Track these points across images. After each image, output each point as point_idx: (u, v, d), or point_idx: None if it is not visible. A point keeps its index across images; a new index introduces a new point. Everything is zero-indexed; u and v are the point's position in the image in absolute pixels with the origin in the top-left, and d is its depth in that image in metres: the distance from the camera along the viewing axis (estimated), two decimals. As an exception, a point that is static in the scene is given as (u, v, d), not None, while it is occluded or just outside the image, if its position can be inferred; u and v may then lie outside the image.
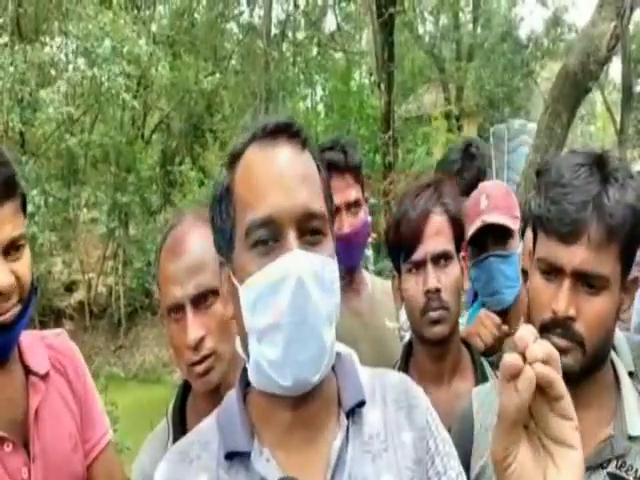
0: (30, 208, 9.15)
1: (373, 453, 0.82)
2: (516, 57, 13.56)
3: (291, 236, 0.75)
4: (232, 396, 0.86)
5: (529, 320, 0.99)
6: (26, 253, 1.14)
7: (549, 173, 0.98)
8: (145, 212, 10.24)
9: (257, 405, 0.83)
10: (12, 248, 1.11)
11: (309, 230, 0.76)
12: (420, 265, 1.30)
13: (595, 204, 0.91)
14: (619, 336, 1.34)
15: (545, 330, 0.95)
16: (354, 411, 0.83)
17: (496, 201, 1.61)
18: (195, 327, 1.06)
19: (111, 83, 8.71)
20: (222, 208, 0.81)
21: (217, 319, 1.08)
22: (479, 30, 15.04)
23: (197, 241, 1.10)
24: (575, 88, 4.32)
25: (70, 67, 9.77)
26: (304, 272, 0.73)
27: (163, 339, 8.63)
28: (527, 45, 14.25)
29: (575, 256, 0.91)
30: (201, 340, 1.07)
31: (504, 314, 1.59)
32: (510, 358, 0.66)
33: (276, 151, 0.78)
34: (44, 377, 1.22)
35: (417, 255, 1.29)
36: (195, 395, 1.17)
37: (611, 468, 0.94)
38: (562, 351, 0.91)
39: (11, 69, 8.54)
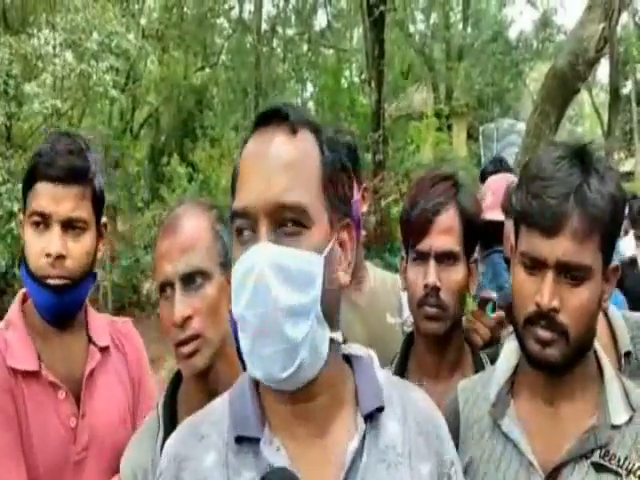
0: (15, 204, 9.06)
1: (388, 463, 0.80)
2: (506, 57, 13.63)
3: (262, 228, 0.75)
4: (245, 379, 0.85)
5: (513, 314, 1.00)
6: (85, 240, 1.30)
7: (530, 167, 0.98)
8: (133, 208, 10.16)
9: (265, 392, 0.83)
10: (70, 227, 1.28)
11: (284, 221, 0.75)
12: (424, 257, 1.29)
13: (577, 196, 0.92)
14: (616, 315, 1.35)
15: (529, 323, 0.95)
16: (372, 416, 0.82)
17: (500, 198, 1.61)
18: (182, 305, 1.08)
19: (99, 77, 8.62)
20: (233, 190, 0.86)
21: (206, 302, 1.10)
22: (469, 30, 15.11)
23: (191, 222, 1.14)
24: (564, 88, 4.36)
25: (57, 60, 9.64)
26: (265, 265, 0.73)
27: (151, 336, 8.56)
28: (517, 46, 14.33)
29: (557, 248, 0.92)
30: (188, 319, 1.08)
31: (507, 312, 1.59)
32: None
33: (263, 141, 0.78)
34: (103, 349, 1.39)
35: (422, 246, 1.29)
36: (186, 385, 1.18)
37: (595, 458, 0.95)
38: (546, 343, 0.94)
39: (-3, 61, 8.40)
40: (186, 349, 1.09)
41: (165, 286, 1.11)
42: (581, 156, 0.95)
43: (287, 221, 0.75)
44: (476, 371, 1.33)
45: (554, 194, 0.92)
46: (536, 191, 0.94)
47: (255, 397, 0.82)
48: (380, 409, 0.82)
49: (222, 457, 0.80)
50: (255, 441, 0.79)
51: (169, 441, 0.86)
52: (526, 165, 1.01)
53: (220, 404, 0.87)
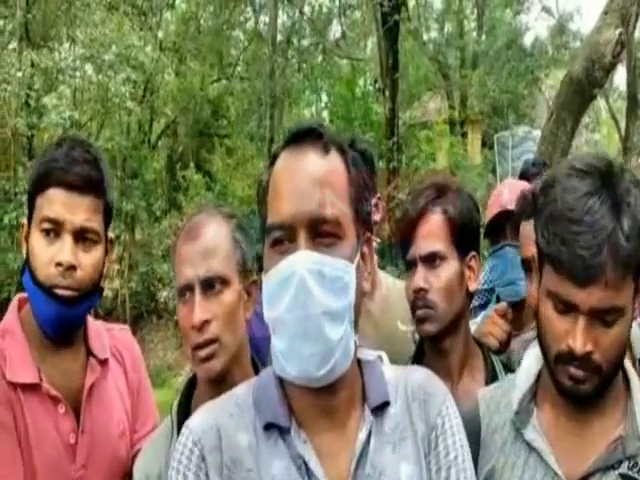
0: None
1: (393, 444, 0.86)
2: (520, 65, 13.57)
3: (301, 238, 0.80)
4: (268, 374, 0.89)
5: (542, 347, 0.98)
6: (96, 253, 1.26)
7: (553, 200, 0.92)
8: (151, 217, 10.29)
9: (290, 388, 0.87)
10: (81, 238, 1.24)
11: (321, 233, 0.81)
12: (412, 264, 1.33)
13: (610, 243, 0.87)
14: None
15: (561, 361, 0.93)
16: (378, 409, 0.87)
17: (517, 194, 1.63)
18: (201, 309, 1.10)
19: (116, 89, 8.78)
20: (262, 204, 0.88)
21: (225, 308, 1.11)
22: (484, 38, 15.08)
23: (212, 228, 1.16)
24: (580, 95, 4.33)
25: (77, 73, 9.85)
26: (306, 270, 0.78)
27: (168, 342, 8.65)
28: (532, 53, 14.26)
29: (591, 297, 0.89)
30: (206, 323, 1.10)
31: (517, 309, 1.58)
32: None
33: (297, 157, 0.84)
34: (102, 362, 1.34)
35: (409, 255, 1.33)
36: (200, 390, 1.19)
37: (623, 469, 0.93)
38: (580, 381, 0.93)
39: (19, 74, 8.62)
40: (203, 352, 1.10)
41: (185, 290, 1.12)
42: (609, 187, 0.90)
43: (323, 233, 0.81)
44: (487, 374, 1.34)
45: (586, 244, 0.87)
46: (565, 236, 0.89)
47: (280, 391, 0.87)
48: (386, 404, 0.88)
49: (253, 441, 0.84)
50: (285, 430, 0.84)
51: (197, 418, 0.87)
52: (546, 191, 0.95)
53: (243, 391, 0.90)
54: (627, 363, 1.02)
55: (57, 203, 1.21)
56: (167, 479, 0.87)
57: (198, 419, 0.87)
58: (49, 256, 1.21)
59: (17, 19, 9.58)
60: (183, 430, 0.87)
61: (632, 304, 0.93)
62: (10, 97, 8.69)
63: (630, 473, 0.93)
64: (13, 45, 9.70)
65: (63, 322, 1.25)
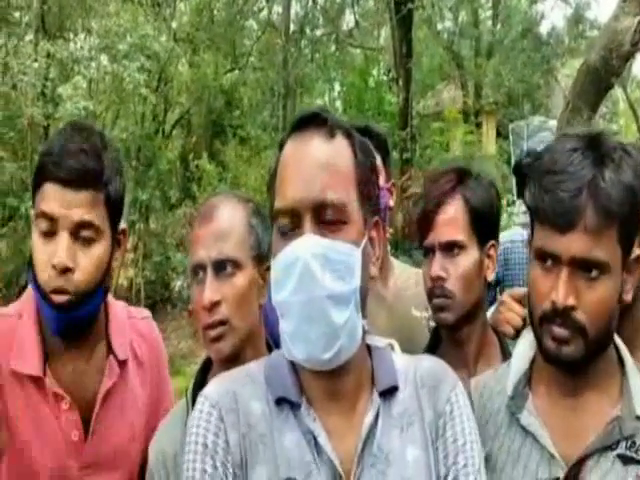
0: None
1: (400, 427, 0.88)
2: (536, 54, 13.38)
3: (307, 223, 0.81)
4: (279, 354, 0.91)
5: (529, 310, 0.98)
6: (97, 250, 1.18)
7: (542, 160, 0.95)
8: (165, 206, 10.36)
9: (301, 370, 0.89)
10: (80, 236, 1.16)
11: (326, 218, 0.82)
12: (431, 251, 1.33)
13: (590, 189, 0.88)
14: None
15: (546, 320, 0.94)
16: (386, 392, 0.89)
17: None
18: (212, 289, 1.11)
19: (131, 79, 8.82)
20: (271, 191, 0.89)
21: (236, 291, 1.13)
22: (499, 27, 14.88)
23: (226, 212, 1.17)
24: (597, 84, 4.28)
25: (92, 63, 9.91)
26: (310, 254, 0.79)
27: (182, 331, 8.75)
28: (548, 42, 14.05)
29: (571, 244, 0.89)
30: (216, 304, 1.11)
31: None
32: None
33: (302, 143, 0.85)
34: (122, 363, 1.30)
35: (427, 241, 1.33)
36: (214, 373, 1.20)
37: (620, 449, 0.93)
38: (563, 341, 0.92)
39: (35, 64, 8.70)
40: (212, 333, 1.12)
41: (198, 269, 1.14)
42: (595, 146, 0.92)
43: (329, 217, 0.82)
44: (504, 363, 1.34)
45: (566, 189, 0.89)
46: (548, 185, 0.91)
47: (292, 371, 0.88)
48: (394, 388, 0.89)
49: (266, 410, 0.86)
50: (295, 406, 0.85)
51: (211, 387, 0.89)
52: (539, 157, 0.98)
53: (255, 367, 0.92)
54: (619, 341, 1.01)
55: (51, 200, 1.14)
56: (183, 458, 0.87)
57: (213, 387, 0.89)
58: (46, 257, 1.14)
59: (33, 11, 9.65)
60: (198, 399, 0.88)
61: (620, 270, 0.92)
62: (27, 87, 8.77)
63: (628, 453, 0.92)
64: (29, 36, 9.78)
65: (64, 325, 1.20)
